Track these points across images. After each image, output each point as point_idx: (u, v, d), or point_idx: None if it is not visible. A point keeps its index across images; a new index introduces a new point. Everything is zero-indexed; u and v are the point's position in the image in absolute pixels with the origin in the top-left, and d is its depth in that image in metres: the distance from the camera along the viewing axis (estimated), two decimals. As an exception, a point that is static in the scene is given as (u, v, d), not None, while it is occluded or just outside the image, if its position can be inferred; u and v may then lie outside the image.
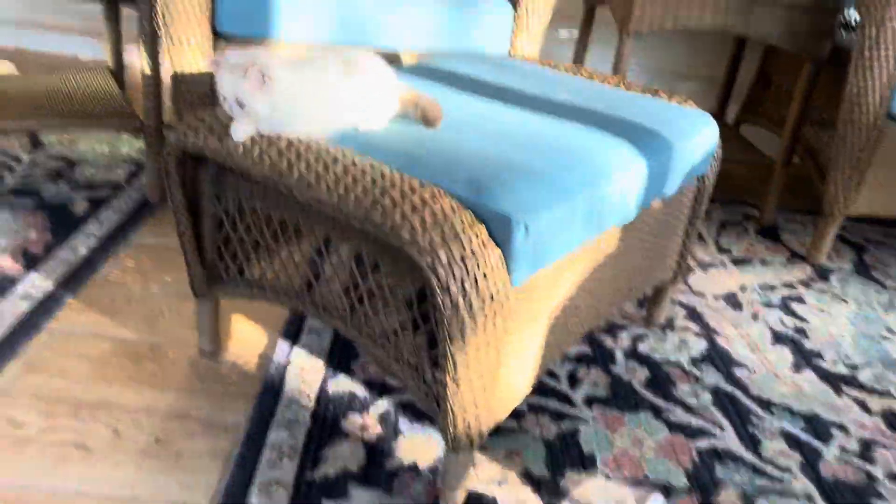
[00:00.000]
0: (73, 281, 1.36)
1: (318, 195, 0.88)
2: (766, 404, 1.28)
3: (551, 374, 1.29)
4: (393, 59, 1.57)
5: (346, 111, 0.96)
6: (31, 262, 1.39)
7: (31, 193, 1.64)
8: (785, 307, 1.61)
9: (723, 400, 1.28)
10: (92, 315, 1.29)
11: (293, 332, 1.32)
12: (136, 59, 1.96)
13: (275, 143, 0.94)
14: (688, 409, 1.25)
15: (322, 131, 0.96)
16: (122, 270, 1.43)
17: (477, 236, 0.83)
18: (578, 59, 2.32)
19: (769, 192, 2.01)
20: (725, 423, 1.22)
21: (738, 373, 1.36)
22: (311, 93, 0.93)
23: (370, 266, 1.00)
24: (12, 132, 1.88)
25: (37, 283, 1.33)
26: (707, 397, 1.28)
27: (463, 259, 0.81)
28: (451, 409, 0.90)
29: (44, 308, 1.28)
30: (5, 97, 1.68)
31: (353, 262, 1.06)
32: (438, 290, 0.81)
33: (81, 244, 1.47)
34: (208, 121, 1.01)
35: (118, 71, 1.96)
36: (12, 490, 0.94)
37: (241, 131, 0.93)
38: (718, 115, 2.42)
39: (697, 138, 1.20)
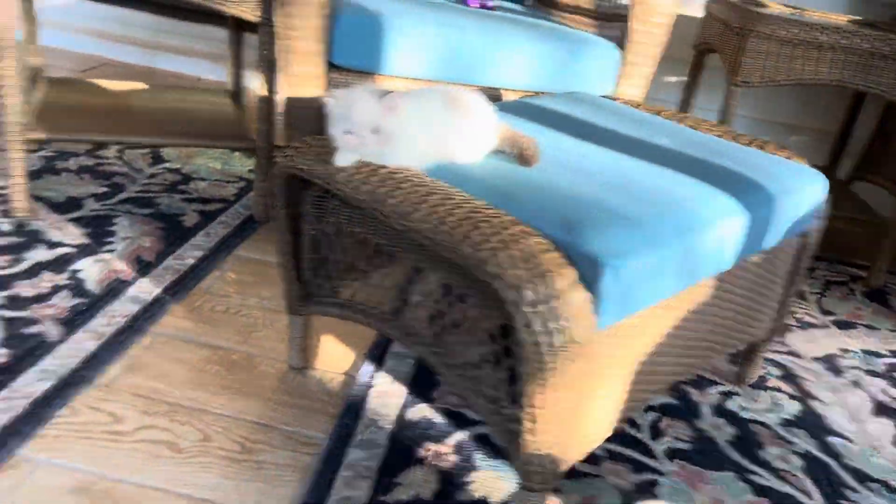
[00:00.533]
0: (178, 288, 1.44)
1: (413, 223, 0.91)
2: (862, 477, 1.21)
3: (633, 422, 1.26)
4: (496, 97, 1.60)
5: (445, 144, 0.99)
6: (143, 267, 1.49)
7: (149, 204, 1.75)
8: (890, 377, 1.52)
9: (814, 468, 1.22)
10: (193, 322, 1.36)
11: (378, 355, 1.35)
12: (254, 83, 2.08)
13: (375, 171, 0.98)
14: (775, 473, 1.19)
15: (420, 162, 0.99)
16: (225, 282, 1.50)
17: (564, 277, 0.83)
18: (685, 104, 2.29)
19: (880, 253, 1.91)
20: (815, 492, 1.16)
21: (833, 441, 1.29)
22: (414, 125, 0.97)
23: (457, 297, 1.02)
24: (138, 146, 2.02)
25: (146, 288, 1.42)
26: (797, 463, 1.22)
27: (548, 298, 0.81)
28: (526, 447, 0.89)
29: (150, 312, 1.36)
30: (135, 114, 1.81)
31: (441, 291, 1.08)
32: (521, 327, 0.81)
33: (189, 254, 1.56)
34: (315, 146, 1.06)
35: (236, 93, 2.08)
36: (106, 481, 1.00)
37: (344, 158, 0.98)
38: (830, 171, 2.33)
39: (802, 193, 1.16)
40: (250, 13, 1.56)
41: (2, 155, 1.84)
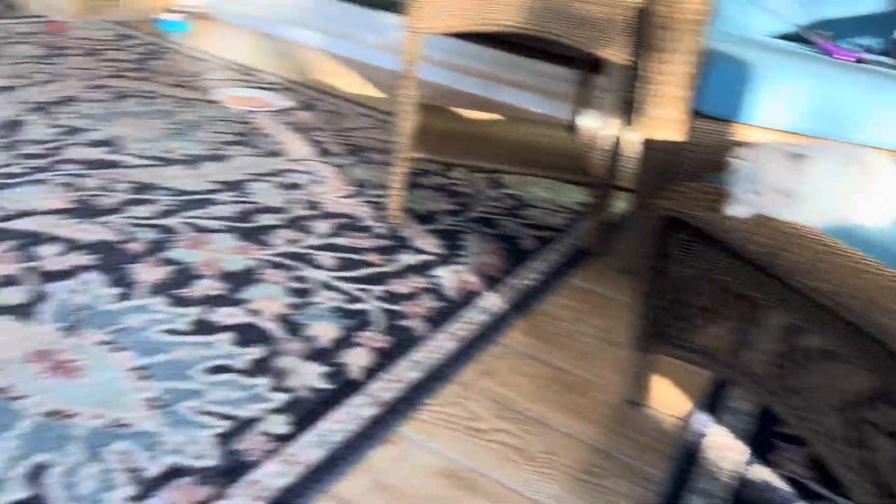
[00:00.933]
0: (520, 306, 1.56)
1: (811, 282, 0.89)
2: None
3: None
4: (869, 155, 1.51)
5: (851, 206, 0.96)
6: (489, 282, 1.63)
7: (491, 224, 1.91)
8: None
9: None
10: (533, 340, 1.46)
11: (711, 405, 1.33)
12: (587, 120, 2.18)
13: (766, 224, 0.98)
14: None
15: (820, 221, 0.98)
16: (559, 307, 1.59)
17: None
18: None
19: None
20: None
21: None
22: (821, 186, 0.95)
23: (832, 361, 0.98)
24: (489, 171, 2.20)
25: (492, 301, 1.56)
26: None
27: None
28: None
29: (497, 324, 1.49)
30: (486, 141, 1.98)
31: (810, 352, 1.04)
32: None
33: (528, 276, 1.68)
34: (695, 191, 1.09)
35: (573, 128, 2.19)
36: (468, 471, 1.12)
37: (740, 210, 0.99)
38: None
39: None
40: (618, 56, 1.64)
41: (385, 168, 2.14)
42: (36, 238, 1.51)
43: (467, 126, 2.08)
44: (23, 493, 0.94)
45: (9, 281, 1.36)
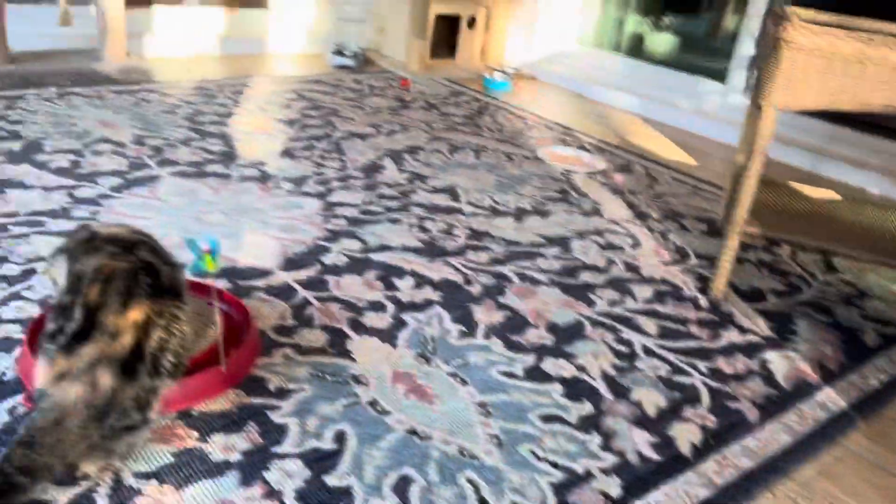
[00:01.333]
0: (864, 408, 1.42)
1: None
2: None
3: None
4: None
5: None
6: (826, 375, 1.51)
7: (825, 311, 1.77)
8: None
9: None
10: (880, 447, 1.32)
11: None
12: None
13: None
14: None
15: None
16: (912, 416, 1.42)
17: None
18: None
19: None
20: None
21: None
22: None
23: None
24: (825, 253, 2.05)
25: (831, 398, 1.44)
26: None
27: None
28: None
29: (837, 423, 1.36)
30: (820, 219, 1.85)
31: None
32: None
33: (873, 375, 1.53)
34: None
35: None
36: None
37: None
38: None
39: None
40: None
41: (701, 237, 2.10)
42: (393, 271, 1.71)
43: (802, 203, 1.97)
44: (392, 502, 1.06)
45: (376, 306, 1.55)
